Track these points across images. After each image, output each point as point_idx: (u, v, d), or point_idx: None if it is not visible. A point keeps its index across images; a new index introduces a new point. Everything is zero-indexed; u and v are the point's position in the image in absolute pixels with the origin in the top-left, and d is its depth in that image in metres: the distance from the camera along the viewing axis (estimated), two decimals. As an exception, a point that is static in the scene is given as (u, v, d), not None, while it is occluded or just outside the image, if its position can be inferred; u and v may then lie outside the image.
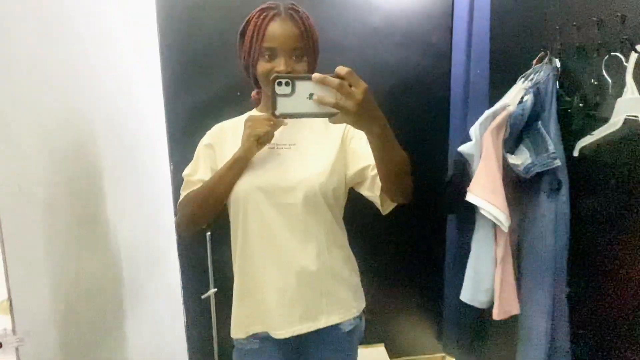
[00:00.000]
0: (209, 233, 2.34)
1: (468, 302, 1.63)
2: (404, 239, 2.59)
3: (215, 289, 2.38)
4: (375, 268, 2.55)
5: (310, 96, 0.93)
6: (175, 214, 1.34)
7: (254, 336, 1.37)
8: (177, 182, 2.31)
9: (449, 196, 1.72)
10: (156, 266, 1.99)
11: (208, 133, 1.41)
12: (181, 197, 1.36)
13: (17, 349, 0.83)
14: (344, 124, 1.23)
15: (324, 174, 1.30)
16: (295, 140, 1.34)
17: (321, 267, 1.33)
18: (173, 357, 2.26)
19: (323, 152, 1.32)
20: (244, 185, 1.29)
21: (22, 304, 0.90)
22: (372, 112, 0.99)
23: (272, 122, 1.24)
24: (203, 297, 2.38)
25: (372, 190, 1.31)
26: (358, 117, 0.95)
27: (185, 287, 2.43)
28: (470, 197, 1.53)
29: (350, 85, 0.92)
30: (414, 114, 2.46)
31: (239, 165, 1.28)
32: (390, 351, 2.56)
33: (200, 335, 2.50)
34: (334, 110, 0.93)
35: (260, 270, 1.31)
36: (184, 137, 2.34)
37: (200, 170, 1.36)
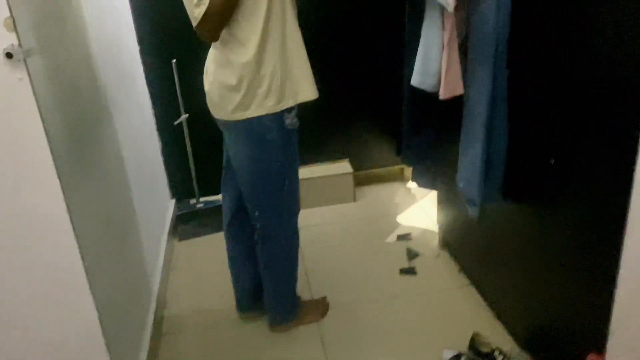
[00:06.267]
0: (174, 60, 2.41)
1: (417, 86, 1.80)
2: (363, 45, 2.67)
3: (187, 115, 2.51)
4: (336, 83, 2.66)
5: None
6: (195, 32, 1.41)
7: (290, 108, 1.55)
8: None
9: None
10: (125, 83, 2.07)
11: None
12: (198, 17, 1.36)
13: (25, 61, 0.93)
14: None
15: None
16: None
17: None
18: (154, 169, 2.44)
19: None
20: None
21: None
22: None
23: None
24: (175, 123, 2.51)
25: None
26: None
27: (156, 115, 2.54)
28: (417, -19, 1.62)
29: None
30: None
31: None
32: (353, 165, 2.80)
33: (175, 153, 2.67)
34: None
35: (298, 47, 1.54)
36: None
37: None
